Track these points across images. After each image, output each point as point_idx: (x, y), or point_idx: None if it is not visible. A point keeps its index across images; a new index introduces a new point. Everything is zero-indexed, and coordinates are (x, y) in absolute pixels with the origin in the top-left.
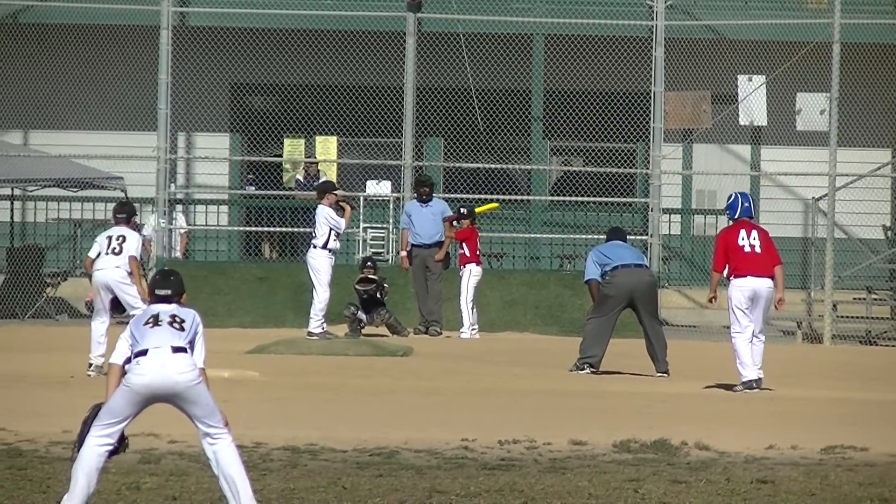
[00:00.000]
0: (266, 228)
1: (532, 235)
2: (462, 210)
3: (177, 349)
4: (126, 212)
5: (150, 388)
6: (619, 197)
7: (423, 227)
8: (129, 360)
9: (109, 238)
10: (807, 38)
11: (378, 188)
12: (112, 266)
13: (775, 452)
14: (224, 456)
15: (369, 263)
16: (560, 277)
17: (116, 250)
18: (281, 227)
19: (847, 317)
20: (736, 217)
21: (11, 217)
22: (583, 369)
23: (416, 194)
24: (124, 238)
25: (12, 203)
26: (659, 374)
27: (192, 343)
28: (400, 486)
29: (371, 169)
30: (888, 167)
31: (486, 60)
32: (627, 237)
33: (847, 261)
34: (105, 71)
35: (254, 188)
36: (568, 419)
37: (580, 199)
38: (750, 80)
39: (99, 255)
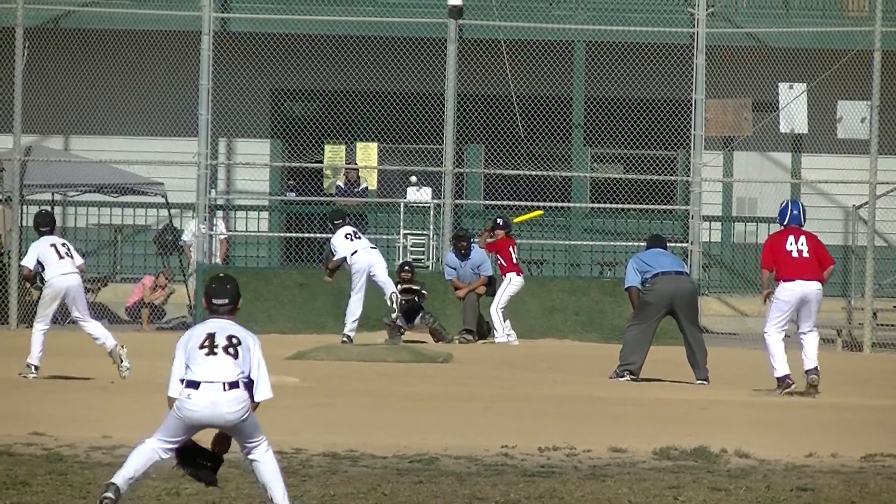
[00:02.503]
0: (307, 235)
1: (572, 242)
2: (498, 220)
3: (230, 385)
4: (48, 223)
5: (200, 423)
6: (659, 204)
7: (465, 280)
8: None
9: (55, 245)
10: (848, 46)
11: (419, 195)
12: (73, 271)
13: (815, 460)
14: (262, 463)
15: (406, 268)
16: (600, 284)
17: (71, 255)
18: (322, 233)
19: (887, 325)
20: (785, 224)
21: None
22: (623, 376)
23: (454, 248)
24: (68, 245)
25: (52, 208)
26: (699, 382)
27: (249, 369)
28: (440, 493)
29: (411, 175)
30: None
31: (527, 67)
32: (668, 244)
33: (887, 269)
34: (146, 76)
35: (294, 194)
36: (607, 426)
37: (620, 206)
38: (791, 87)
39: (43, 264)
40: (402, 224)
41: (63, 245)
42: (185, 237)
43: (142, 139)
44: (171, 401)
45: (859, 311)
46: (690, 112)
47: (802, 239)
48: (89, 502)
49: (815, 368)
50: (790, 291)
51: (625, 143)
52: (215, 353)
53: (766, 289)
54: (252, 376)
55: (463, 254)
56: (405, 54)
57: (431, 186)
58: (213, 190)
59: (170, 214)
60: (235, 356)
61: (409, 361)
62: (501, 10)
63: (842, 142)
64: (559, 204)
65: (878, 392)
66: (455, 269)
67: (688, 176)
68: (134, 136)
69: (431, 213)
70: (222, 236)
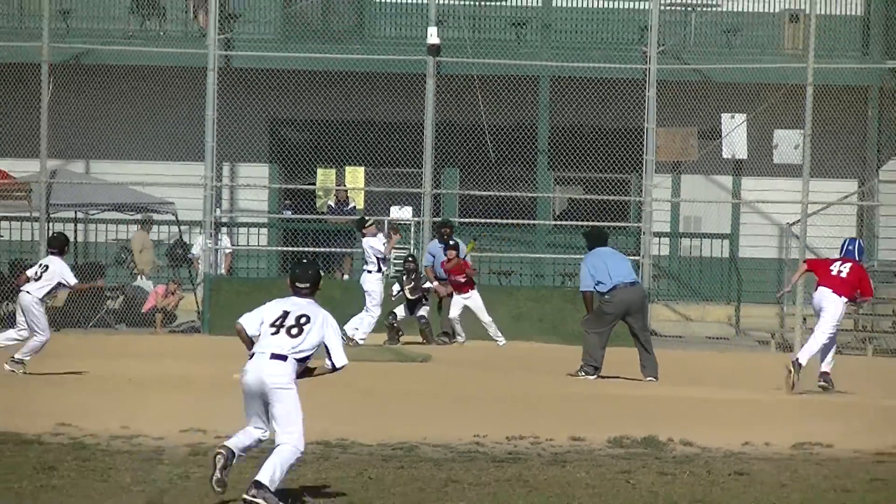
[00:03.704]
0: (301, 249)
1: (537, 255)
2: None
3: (277, 356)
4: (56, 245)
5: (251, 388)
6: (615, 222)
7: (440, 268)
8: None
9: (39, 265)
10: (783, 81)
11: (400, 213)
12: (29, 291)
13: (751, 448)
14: (280, 447)
15: (410, 258)
16: (562, 293)
17: (37, 277)
18: (314, 247)
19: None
20: (840, 255)
21: (75, 237)
22: (585, 374)
23: (437, 235)
24: (47, 267)
25: (76, 225)
26: (648, 379)
27: (311, 346)
28: (419, 477)
29: (394, 196)
30: (854, 196)
31: (498, 99)
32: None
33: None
34: (158, 107)
35: (290, 213)
36: (568, 418)
37: (580, 223)
38: (732, 117)
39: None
40: (385, 248)
41: (41, 267)
42: (194, 250)
43: (154, 163)
44: (238, 327)
45: (791, 317)
46: (643, 139)
47: (848, 265)
48: (110, 485)
49: (823, 373)
50: (816, 295)
51: (584, 167)
52: (278, 332)
53: (796, 277)
54: (328, 346)
55: (445, 240)
56: (389, 88)
57: (412, 205)
58: (217, 209)
59: (179, 231)
60: (296, 335)
61: (393, 361)
62: (474, 48)
63: (777, 166)
64: (526, 221)
65: (806, 387)
66: (434, 255)
67: (640, 196)
68: (147, 160)
69: (412, 229)
70: (227, 250)
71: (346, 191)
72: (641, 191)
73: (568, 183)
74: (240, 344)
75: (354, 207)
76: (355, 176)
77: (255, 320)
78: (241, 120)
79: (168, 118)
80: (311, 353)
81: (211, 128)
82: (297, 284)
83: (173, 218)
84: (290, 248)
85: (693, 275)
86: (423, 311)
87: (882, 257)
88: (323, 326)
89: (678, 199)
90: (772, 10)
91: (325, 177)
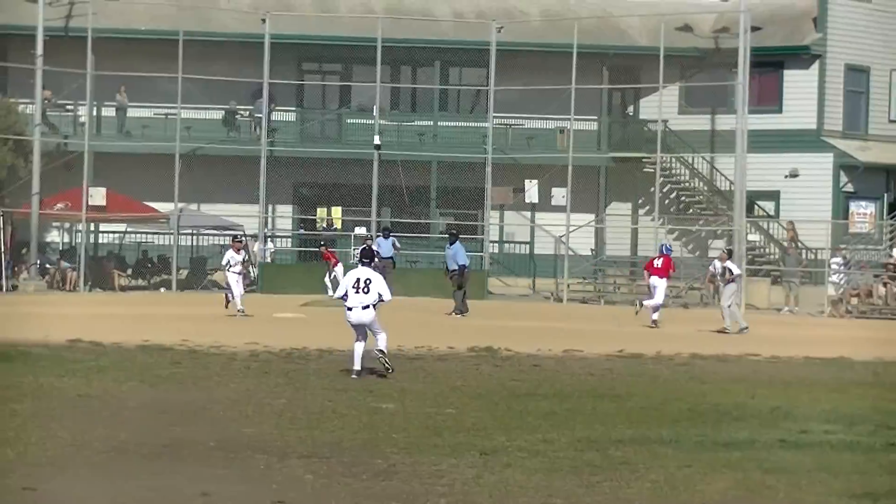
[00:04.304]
0: (309, 249)
1: (430, 252)
2: (322, 243)
3: (364, 307)
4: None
5: (356, 322)
6: (471, 234)
7: (384, 249)
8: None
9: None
10: (556, 163)
11: (361, 231)
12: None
13: (541, 352)
14: (381, 337)
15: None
16: (443, 274)
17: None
18: (315, 248)
19: (574, 290)
20: (659, 254)
21: (192, 243)
22: (457, 314)
23: (380, 233)
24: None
25: (192, 237)
26: (461, 315)
27: (378, 295)
28: (377, 367)
29: (357, 222)
30: (593, 221)
31: (410, 171)
32: (465, 246)
33: (574, 264)
34: (235, 179)
35: (303, 230)
36: (446, 336)
37: (455, 236)
38: (531, 182)
39: None
40: (352, 245)
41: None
42: (254, 249)
43: (234, 204)
44: (336, 297)
45: (562, 283)
46: (484, 192)
47: (662, 259)
48: (209, 372)
49: (654, 321)
50: (650, 279)
51: (455, 206)
52: (357, 292)
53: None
54: (381, 294)
55: (385, 236)
56: (353, 167)
57: (366, 226)
58: (266, 228)
59: (246, 239)
60: (367, 292)
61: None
62: (399, 144)
63: (555, 206)
64: (424, 235)
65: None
66: (379, 244)
67: (483, 222)
68: (230, 202)
69: (372, 237)
70: (271, 250)
71: (332, 218)
72: (484, 218)
73: (446, 215)
74: (276, 297)
75: (336, 228)
76: (336, 211)
77: (340, 290)
78: (277, 185)
79: (241, 181)
80: (378, 297)
81: (262, 186)
82: (363, 259)
83: (242, 233)
84: (302, 249)
85: (510, 262)
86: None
87: (609, 253)
88: (378, 282)
89: (503, 223)
90: (550, 127)
91: (321, 212)
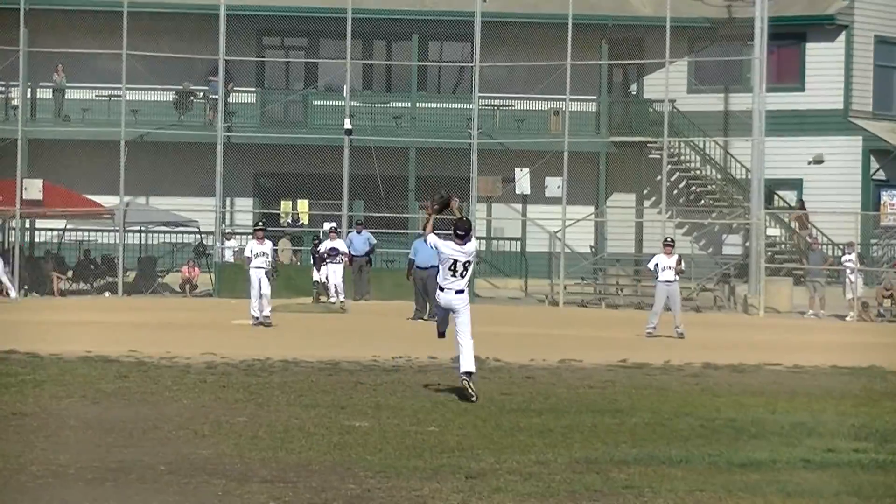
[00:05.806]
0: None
1: (407, 250)
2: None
3: (458, 291)
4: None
5: (444, 307)
6: None
7: (357, 246)
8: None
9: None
10: (551, 149)
11: (330, 224)
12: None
13: (535, 363)
14: (464, 343)
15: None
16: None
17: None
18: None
19: (571, 292)
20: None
21: (140, 241)
22: (418, 319)
23: (355, 228)
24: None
25: (140, 235)
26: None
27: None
28: (339, 381)
29: (327, 217)
30: (592, 215)
31: (386, 159)
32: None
33: (571, 263)
34: (190, 163)
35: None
36: (423, 345)
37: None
38: (521, 170)
39: None
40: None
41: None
42: (226, 250)
43: (187, 197)
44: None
45: (557, 285)
46: (469, 182)
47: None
48: (160, 386)
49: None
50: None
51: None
52: (455, 276)
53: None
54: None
55: (359, 231)
56: (322, 154)
57: (335, 221)
58: (223, 224)
59: (200, 237)
60: (463, 276)
61: (325, 312)
62: (373, 129)
63: (549, 197)
64: (403, 230)
65: (562, 326)
66: (351, 240)
67: (469, 215)
68: (182, 195)
69: (344, 233)
70: (234, 248)
71: (297, 213)
72: (469, 212)
73: (426, 209)
74: (236, 302)
75: (303, 224)
76: (302, 205)
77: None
78: (236, 172)
79: (196, 171)
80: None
81: (219, 177)
82: (458, 233)
83: (196, 229)
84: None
85: (499, 261)
86: (316, 278)
87: (611, 250)
88: (471, 268)
89: (491, 217)
90: (542, 108)
91: (285, 206)
